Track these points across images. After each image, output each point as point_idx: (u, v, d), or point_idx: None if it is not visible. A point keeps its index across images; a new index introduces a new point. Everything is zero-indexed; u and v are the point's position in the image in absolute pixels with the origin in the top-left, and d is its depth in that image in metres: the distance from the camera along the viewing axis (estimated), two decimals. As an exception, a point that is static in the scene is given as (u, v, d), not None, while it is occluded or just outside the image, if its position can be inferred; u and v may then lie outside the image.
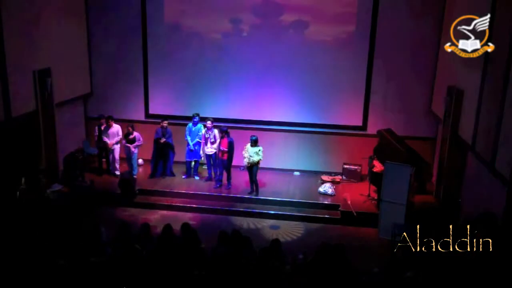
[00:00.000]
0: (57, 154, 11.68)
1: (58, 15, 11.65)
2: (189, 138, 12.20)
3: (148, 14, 12.83)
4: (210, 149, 11.99)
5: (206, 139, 12.01)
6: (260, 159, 11.34)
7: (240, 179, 12.15)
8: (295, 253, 7.08)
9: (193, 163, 12.44)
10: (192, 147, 12.17)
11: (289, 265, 6.87)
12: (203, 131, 12.05)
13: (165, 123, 12.17)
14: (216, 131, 11.98)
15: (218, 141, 11.92)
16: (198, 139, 12.16)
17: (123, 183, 11.45)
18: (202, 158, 12.32)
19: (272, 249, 7.07)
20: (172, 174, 12.50)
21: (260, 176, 11.77)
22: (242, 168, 12.19)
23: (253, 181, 11.54)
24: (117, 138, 12.35)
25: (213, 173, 12.26)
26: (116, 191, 11.53)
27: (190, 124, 12.22)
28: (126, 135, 12.27)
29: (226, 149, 11.58)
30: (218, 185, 11.95)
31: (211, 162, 12.16)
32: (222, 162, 11.74)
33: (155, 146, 12.25)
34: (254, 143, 11.30)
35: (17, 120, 10.17)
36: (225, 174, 11.93)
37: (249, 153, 11.27)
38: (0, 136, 9.82)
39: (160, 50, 13.01)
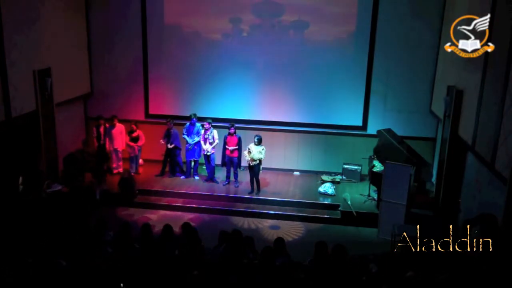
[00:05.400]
0: (57, 154, 11.68)
1: (58, 15, 11.66)
2: (187, 138, 12.18)
3: (148, 14, 12.83)
4: (207, 149, 11.98)
5: (205, 139, 12.01)
6: (262, 158, 11.35)
7: (240, 179, 12.14)
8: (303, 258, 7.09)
9: (192, 163, 12.45)
10: (191, 145, 12.12)
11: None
12: (202, 131, 12.06)
13: (169, 124, 12.19)
14: (215, 132, 11.99)
15: (216, 141, 11.95)
16: (198, 138, 12.15)
17: (123, 183, 11.46)
18: (207, 154, 12.29)
19: (276, 248, 7.05)
20: (182, 172, 12.55)
21: (260, 176, 11.77)
22: (242, 168, 12.20)
23: (255, 180, 11.55)
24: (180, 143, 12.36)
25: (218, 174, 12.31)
26: (116, 191, 11.55)
27: (188, 125, 12.23)
28: (129, 133, 12.31)
29: (237, 147, 11.64)
30: (227, 182, 12.08)
31: (208, 162, 12.16)
32: (231, 160, 11.76)
33: (166, 147, 12.37)
34: (258, 142, 11.32)
35: (17, 120, 10.17)
36: (211, 171, 12.17)
37: (253, 152, 11.28)
38: (0, 136, 9.82)
39: (160, 50, 13.02)
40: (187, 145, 12.25)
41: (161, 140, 12.23)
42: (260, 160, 11.40)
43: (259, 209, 11.21)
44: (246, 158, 11.41)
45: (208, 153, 12.04)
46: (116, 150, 12.46)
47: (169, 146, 12.23)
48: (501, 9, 7.98)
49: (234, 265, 6.47)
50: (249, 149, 11.38)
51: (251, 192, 11.64)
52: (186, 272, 6.07)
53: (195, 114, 12.23)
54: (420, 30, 11.98)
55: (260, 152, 11.33)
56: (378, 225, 10.30)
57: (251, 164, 11.40)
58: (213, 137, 11.97)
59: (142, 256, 6.68)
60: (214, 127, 12.10)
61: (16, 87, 9.99)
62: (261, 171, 11.62)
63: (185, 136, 12.21)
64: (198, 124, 12.20)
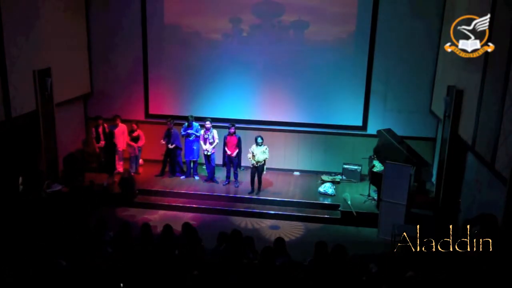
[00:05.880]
0: (57, 154, 11.68)
1: (58, 15, 11.66)
2: (184, 132, 12.18)
3: (148, 14, 12.83)
4: (208, 149, 11.99)
5: (205, 140, 12.01)
6: (267, 158, 11.37)
7: (240, 179, 12.14)
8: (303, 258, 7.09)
9: (192, 163, 12.44)
10: (194, 134, 12.12)
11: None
12: (202, 131, 12.05)
13: (170, 124, 12.19)
14: (214, 132, 12.00)
15: (216, 141, 11.96)
16: (198, 134, 12.15)
17: (123, 183, 11.46)
18: (207, 154, 12.26)
19: (276, 248, 7.06)
20: (182, 172, 12.53)
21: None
22: (242, 168, 12.21)
23: (257, 179, 11.56)
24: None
25: (214, 173, 12.29)
26: (116, 191, 11.54)
27: (186, 125, 12.22)
28: (129, 132, 12.31)
29: (236, 149, 11.72)
30: (227, 182, 12.09)
31: (209, 162, 12.16)
32: (232, 160, 11.78)
33: (166, 147, 12.36)
34: (260, 143, 11.32)
35: (17, 120, 10.17)
36: (211, 171, 12.21)
37: (257, 155, 11.28)
38: (0, 136, 9.82)
39: (160, 50, 13.02)
40: (186, 145, 12.21)
41: (162, 140, 12.23)
42: (264, 160, 11.40)
43: (259, 209, 11.21)
44: (251, 162, 11.41)
45: (208, 153, 12.04)
46: (117, 150, 12.47)
47: (170, 146, 12.23)
48: (501, 9, 7.98)
49: (234, 265, 6.47)
50: (252, 153, 11.36)
51: (251, 192, 11.63)
52: (186, 272, 6.07)
53: (192, 116, 12.23)
54: (420, 30, 11.98)
55: (264, 152, 11.35)
56: (378, 225, 10.30)
57: (256, 165, 11.41)
58: (213, 137, 11.97)
59: (142, 256, 6.69)
60: (214, 127, 12.10)
61: (16, 87, 9.99)
62: (264, 172, 11.60)
63: (184, 133, 12.20)
64: (196, 124, 12.20)
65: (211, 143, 11.98)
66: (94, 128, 12.45)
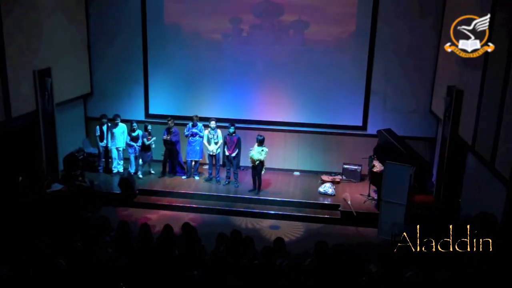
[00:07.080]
0: (57, 154, 11.68)
1: (58, 15, 11.65)
2: (187, 132, 12.17)
3: (148, 14, 12.83)
4: (213, 149, 12.00)
5: (209, 139, 12.01)
6: (261, 159, 11.33)
7: (241, 179, 12.14)
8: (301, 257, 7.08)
9: (193, 163, 12.44)
10: (199, 133, 12.14)
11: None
12: (206, 131, 12.05)
13: (169, 122, 12.19)
14: (219, 131, 12.00)
15: (221, 141, 11.97)
16: (202, 133, 12.15)
17: (123, 183, 11.46)
18: (212, 154, 12.26)
19: (276, 248, 7.06)
20: (182, 170, 12.52)
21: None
22: (242, 168, 12.20)
23: (257, 179, 11.57)
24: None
25: (213, 172, 12.28)
26: (116, 191, 11.54)
27: (191, 124, 12.22)
28: (129, 132, 12.34)
29: (236, 150, 11.73)
30: (227, 182, 12.08)
31: (214, 162, 12.16)
32: (231, 160, 11.78)
33: (165, 146, 12.34)
34: (260, 142, 11.31)
35: (17, 120, 10.16)
36: (217, 171, 12.19)
37: (253, 153, 11.28)
38: (0, 136, 9.82)
39: (160, 50, 13.01)
40: (188, 145, 12.22)
41: (163, 136, 12.19)
42: (260, 161, 11.37)
43: (259, 209, 11.20)
44: (249, 159, 11.42)
45: (214, 153, 12.04)
46: (117, 150, 12.47)
47: (164, 137, 12.15)
48: (501, 9, 7.99)
49: (234, 265, 6.47)
50: (250, 150, 11.37)
51: (253, 190, 11.63)
52: (186, 272, 6.07)
53: (197, 116, 12.21)
54: (420, 30, 11.97)
55: (260, 153, 11.30)
56: (378, 225, 10.30)
57: (252, 164, 11.41)
58: (217, 137, 11.99)
59: (142, 256, 6.69)
60: (217, 127, 12.09)
61: (16, 87, 9.99)
62: (264, 172, 11.59)
63: (188, 133, 12.19)
64: (199, 124, 12.20)
65: (216, 143, 11.98)
66: (98, 126, 12.46)
